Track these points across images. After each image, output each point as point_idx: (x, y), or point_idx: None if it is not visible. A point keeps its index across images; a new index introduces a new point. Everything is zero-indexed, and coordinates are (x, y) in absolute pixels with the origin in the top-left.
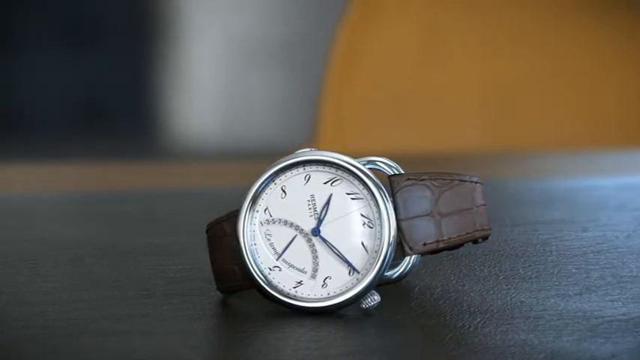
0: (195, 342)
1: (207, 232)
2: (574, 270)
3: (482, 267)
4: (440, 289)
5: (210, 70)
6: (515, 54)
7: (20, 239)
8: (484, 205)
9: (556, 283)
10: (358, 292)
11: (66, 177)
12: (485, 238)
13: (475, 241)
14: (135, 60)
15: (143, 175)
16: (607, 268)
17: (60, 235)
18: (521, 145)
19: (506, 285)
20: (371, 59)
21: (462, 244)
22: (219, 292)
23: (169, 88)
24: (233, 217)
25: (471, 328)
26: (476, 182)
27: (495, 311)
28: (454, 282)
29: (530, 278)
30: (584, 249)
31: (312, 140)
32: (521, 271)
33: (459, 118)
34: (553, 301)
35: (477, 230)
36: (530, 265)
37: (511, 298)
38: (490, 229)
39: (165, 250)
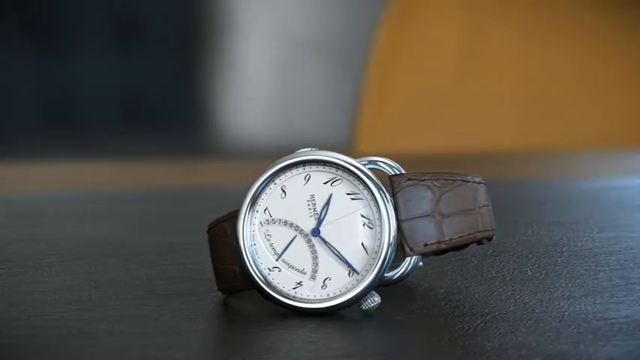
0: (190, 343)
1: (208, 232)
2: (582, 271)
3: (490, 268)
4: (444, 290)
5: (259, 69)
6: (553, 53)
7: (31, 238)
8: (487, 205)
9: (562, 285)
10: (358, 293)
11: (110, 175)
12: (489, 239)
13: (479, 242)
14: (184, 59)
15: (188, 173)
16: (617, 269)
17: (71, 234)
18: (559, 145)
19: (512, 286)
20: (410, 58)
21: (464, 246)
22: (220, 293)
23: (218, 87)
24: (233, 217)
25: (470, 330)
26: (479, 183)
27: (497, 313)
28: (459, 283)
29: (537, 279)
30: (596, 250)
31: (350, 139)
32: (529, 272)
33: (496, 117)
34: (557, 302)
35: (480, 231)
36: (538, 266)
37: (514, 300)
38: (494, 230)
39: (174, 249)
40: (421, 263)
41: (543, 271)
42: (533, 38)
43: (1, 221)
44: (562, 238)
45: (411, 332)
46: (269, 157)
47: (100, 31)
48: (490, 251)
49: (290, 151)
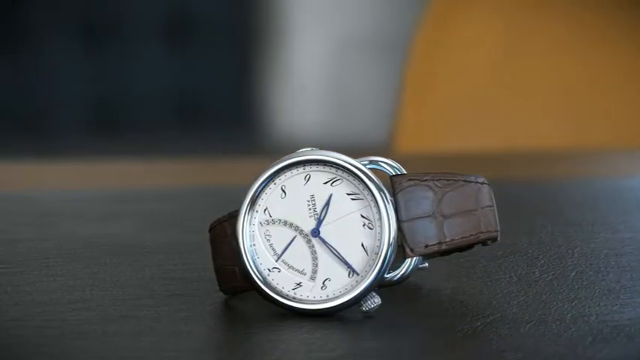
0: (183, 344)
1: (209, 232)
2: (591, 273)
3: (498, 269)
4: (449, 291)
5: (311, 68)
6: (593, 52)
7: (43, 237)
8: (490, 206)
9: (569, 287)
10: (357, 294)
11: (159, 173)
12: (493, 239)
13: (484, 243)
14: (237, 58)
15: (241, 171)
16: (626, 271)
17: (84, 233)
18: (599, 144)
19: (517, 287)
20: (451, 57)
21: (467, 246)
22: (222, 294)
23: (271, 86)
24: (234, 217)
25: (469, 332)
26: (482, 183)
27: (499, 314)
28: (465, 284)
29: (543, 281)
30: (607, 251)
31: (392, 138)
32: (536, 273)
33: (536, 116)
34: (560, 304)
35: (482, 232)
36: (547, 268)
37: (518, 301)
38: (497, 231)
39: (183, 249)
40: (427, 264)
41: (552, 273)
42: (573, 37)
43: (21, 220)
44: (576, 239)
45: (409, 334)
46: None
47: (155, 31)
48: (501, 252)
49: (341, 149)
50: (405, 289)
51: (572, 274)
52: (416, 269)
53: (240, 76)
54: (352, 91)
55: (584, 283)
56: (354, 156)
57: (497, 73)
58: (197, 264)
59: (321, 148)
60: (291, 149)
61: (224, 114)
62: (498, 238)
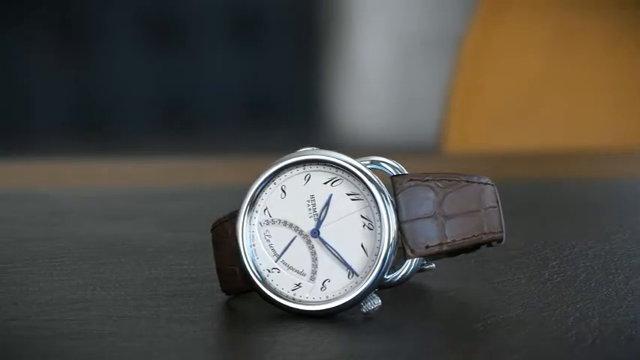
0: (175, 346)
1: (211, 232)
2: (601, 275)
3: (507, 270)
4: (453, 292)
5: (374, 66)
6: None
7: (56, 236)
8: (494, 207)
9: (577, 288)
10: (357, 296)
11: (222, 171)
12: (498, 241)
13: (489, 244)
14: (301, 56)
15: None
16: (638, 273)
17: (100, 232)
18: None
19: (524, 289)
20: (500, 56)
21: (471, 248)
22: (224, 294)
23: (335, 84)
24: (235, 217)
25: (468, 334)
26: (485, 184)
27: (500, 316)
28: (473, 285)
29: (551, 283)
30: (621, 252)
31: (440, 137)
32: (547, 274)
33: (586, 116)
34: (565, 307)
35: (485, 233)
36: (558, 270)
37: (522, 303)
38: (501, 232)
39: (192, 249)
40: (434, 265)
41: (562, 275)
42: (623, 37)
43: (31, 219)
44: (593, 240)
45: (406, 336)
46: (383, 152)
47: (220, 27)
48: (514, 253)
49: (405, 146)
50: (410, 291)
51: (582, 275)
52: (417, 270)
53: (303, 72)
54: (418, 89)
55: (592, 284)
56: (356, 156)
57: (546, 73)
58: (205, 264)
59: (384, 145)
60: (356, 146)
61: (287, 112)
62: (503, 239)
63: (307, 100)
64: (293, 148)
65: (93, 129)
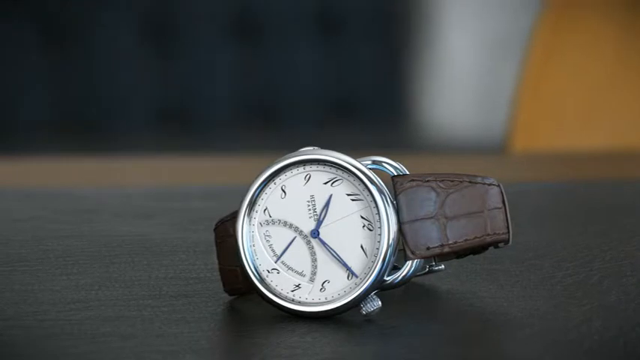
0: (166, 346)
1: (214, 232)
2: (614, 277)
3: (519, 272)
4: (458, 294)
5: (460, 66)
6: None
7: (70, 235)
8: (499, 208)
9: (586, 291)
10: (356, 297)
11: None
12: (505, 242)
13: (495, 246)
14: (387, 55)
15: None
16: None
17: (117, 231)
18: None
19: (532, 292)
20: (566, 60)
21: (476, 249)
22: (227, 295)
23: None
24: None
25: (466, 336)
26: (490, 184)
27: (503, 318)
28: (480, 287)
29: (561, 285)
30: (639, 255)
31: (507, 137)
32: (559, 277)
33: None
34: (569, 310)
35: (489, 234)
36: (571, 272)
37: (528, 306)
38: (506, 234)
39: (205, 249)
40: (442, 266)
41: (574, 277)
42: None
43: (54, 217)
44: (613, 242)
45: (403, 338)
46: (466, 152)
47: (303, 26)
48: (529, 255)
49: (488, 146)
50: (415, 292)
51: (594, 279)
52: (426, 272)
53: (390, 72)
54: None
55: (603, 287)
56: (358, 155)
57: (611, 74)
58: (215, 264)
59: (465, 143)
60: (441, 145)
61: (373, 110)
62: (510, 241)
63: (392, 100)
64: (379, 147)
65: (178, 124)
